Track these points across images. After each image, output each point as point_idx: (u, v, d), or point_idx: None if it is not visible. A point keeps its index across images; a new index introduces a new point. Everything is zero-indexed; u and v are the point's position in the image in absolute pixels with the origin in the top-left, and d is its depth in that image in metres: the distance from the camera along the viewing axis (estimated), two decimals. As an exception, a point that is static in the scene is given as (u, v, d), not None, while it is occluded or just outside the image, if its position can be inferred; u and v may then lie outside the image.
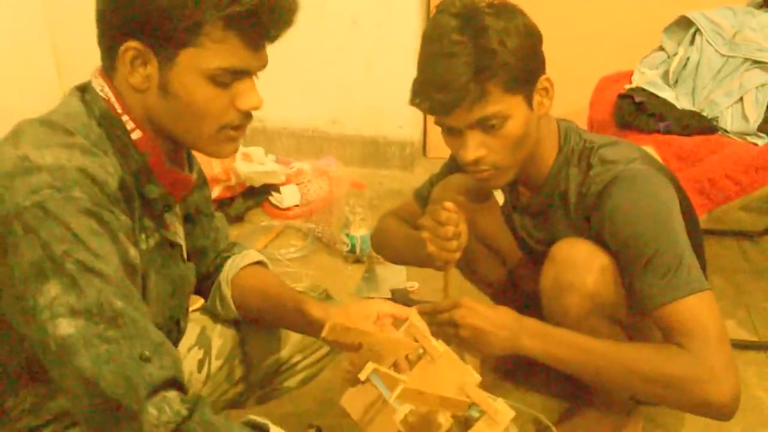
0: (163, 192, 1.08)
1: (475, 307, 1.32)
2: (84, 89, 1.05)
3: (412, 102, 1.28)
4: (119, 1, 0.97)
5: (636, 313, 1.34)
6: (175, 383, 0.90)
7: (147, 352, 0.88)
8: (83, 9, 3.43)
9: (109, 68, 1.03)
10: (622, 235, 1.29)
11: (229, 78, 1.00)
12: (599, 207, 1.32)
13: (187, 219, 1.26)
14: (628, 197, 1.29)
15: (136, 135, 1.03)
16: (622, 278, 1.32)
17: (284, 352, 1.41)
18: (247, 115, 1.05)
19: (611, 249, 1.32)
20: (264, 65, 1.04)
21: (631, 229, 1.27)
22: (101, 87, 1.03)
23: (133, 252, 0.95)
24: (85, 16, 3.63)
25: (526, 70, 1.25)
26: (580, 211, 1.38)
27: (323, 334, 1.03)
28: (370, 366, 1.01)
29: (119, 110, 1.02)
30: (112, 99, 1.02)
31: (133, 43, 0.97)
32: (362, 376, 1.02)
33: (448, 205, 1.31)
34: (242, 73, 1.02)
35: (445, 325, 1.31)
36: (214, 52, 0.97)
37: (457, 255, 1.36)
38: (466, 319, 1.30)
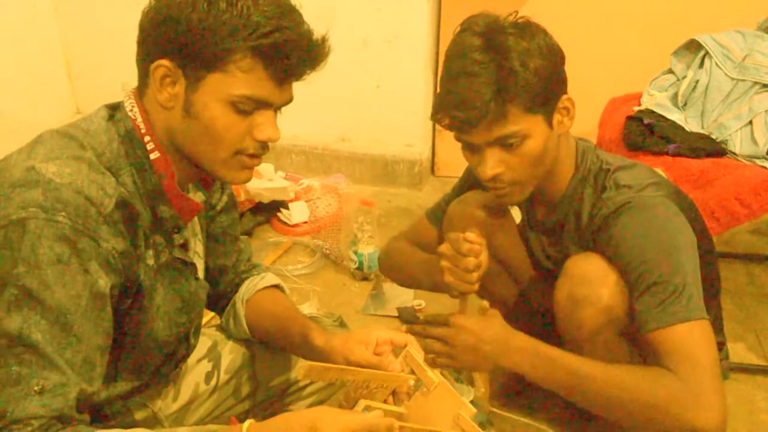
0: (173, 214, 1.11)
1: (465, 325, 1.31)
2: (115, 108, 1.09)
3: (433, 117, 1.30)
4: (160, 20, 1.00)
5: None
6: (56, 420, 0.92)
7: (39, 388, 0.91)
8: (96, 22, 3.46)
9: (142, 86, 1.07)
10: (624, 259, 1.29)
11: (250, 107, 1.03)
12: (605, 230, 1.33)
13: (212, 238, 1.30)
14: (634, 224, 1.29)
15: (154, 155, 1.06)
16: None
17: (293, 375, 1.42)
18: (263, 146, 1.08)
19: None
20: (287, 101, 1.08)
21: (634, 255, 1.27)
22: (131, 107, 1.07)
23: (103, 282, 0.97)
24: (97, 29, 3.65)
25: (546, 90, 1.26)
26: (589, 231, 1.38)
27: (300, 377, 1.04)
28: (362, 403, 1.04)
29: (143, 130, 1.06)
30: (139, 119, 1.06)
31: (165, 62, 1.01)
32: None
33: (471, 236, 1.29)
34: (264, 104, 1.04)
35: (434, 344, 1.31)
36: (240, 80, 1.01)
37: (476, 287, 1.34)
38: (458, 338, 1.30)
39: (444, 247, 1.35)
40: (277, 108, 1.07)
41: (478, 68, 1.22)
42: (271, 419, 0.98)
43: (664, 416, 1.20)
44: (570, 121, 1.34)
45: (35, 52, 3.05)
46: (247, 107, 1.03)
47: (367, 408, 1.04)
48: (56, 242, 0.93)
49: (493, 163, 1.29)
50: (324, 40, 1.05)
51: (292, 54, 1.01)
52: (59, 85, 3.20)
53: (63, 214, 0.94)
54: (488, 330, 1.32)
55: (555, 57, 1.28)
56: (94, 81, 3.14)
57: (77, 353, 0.95)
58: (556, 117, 1.31)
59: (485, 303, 1.38)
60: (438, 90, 1.29)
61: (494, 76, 1.22)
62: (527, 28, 1.26)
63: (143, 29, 1.03)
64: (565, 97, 1.31)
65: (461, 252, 1.30)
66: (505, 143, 1.27)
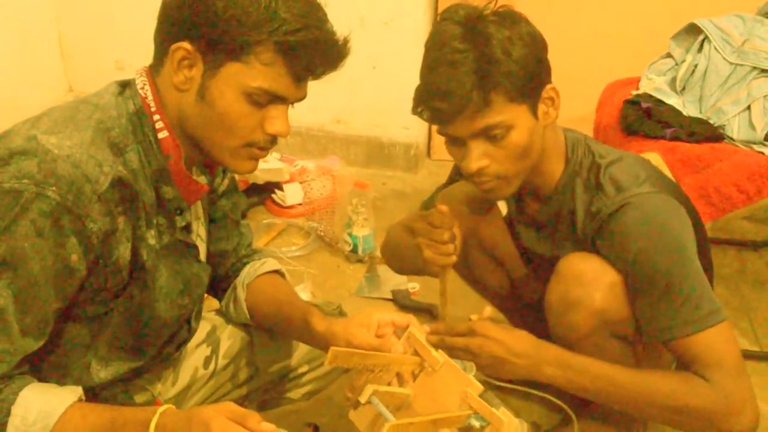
0: (176, 195, 1.10)
1: (492, 335, 1.29)
2: (126, 85, 1.08)
3: (414, 111, 1.26)
4: (185, 2, 1.00)
5: (647, 339, 1.33)
6: None
7: None
8: (91, 1, 3.41)
9: (157, 65, 1.06)
10: (630, 264, 1.27)
11: (265, 99, 1.03)
12: (607, 232, 1.30)
13: (213, 221, 1.30)
14: (638, 225, 1.26)
15: (162, 135, 1.06)
16: (631, 300, 1.30)
17: (291, 361, 1.42)
18: (273, 140, 1.08)
19: (620, 272, 1.30)
20: (302, 98, 1.08)
21: (642, 259, 1.25)
22: (142, 84, 1.06)
23: (76, 257, 0.99)
24: (91, 7, 3.61)
25: (530, 79, 1.22)
26: (587, 231, 1.34)
27: (326, 362, 1.05)
28: (369, 388, 1.04)
29: (153, 108, 1.05)
30: (149, 97, 1.06)
31: (185, 44, 1.00)
32: (362, 399, 1.04)
33: (442, 207, 1.29)
34: (278, 99, 1.04)
35: (460, 352, 1.29)
36: (259, 72, 1.01)
37: (453, 259, 1.34)
38: (484, 349, 1.28)
39: (417, 225, 1.34)
40: (290, 103, 1.07)
41: (458, 57, 1.18)
42: (187, 409, 0.98)
43: (700, 422, 1.25)
44: (555, 111, 1.30)
45: (28, 30, 3.00)
46: (262, 100, 1.03)
47: (375, 393, 1.03)
48: (40, 216, 0.94)
49: (477, 156, 1.24)
50: (346, 41, 1.05)
51: (314, 54, 1.01)
52: (52, 63, 3.16)
53: (54, 188, 0.94)
54: (518, 342, 1.30)
55: (538, 45, 1.23)
56: (87, 59, 3.10)
57: (36, 317, 0.99)
58: (541, 107, 1.27)
59: (488, 309, 1.37)
60: (418, 82, 1.25)
61: (475, 64, 1.17)
62: (508, 17, 1.22)
63: (167, 7, 1.03)
64: (549, 86, 1.27)
65: (434, 224, 1.30)
66: (490, 134, 1.23)
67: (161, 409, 0.96)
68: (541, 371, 1.30)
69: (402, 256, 1.59)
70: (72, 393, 1.00)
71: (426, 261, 1.34)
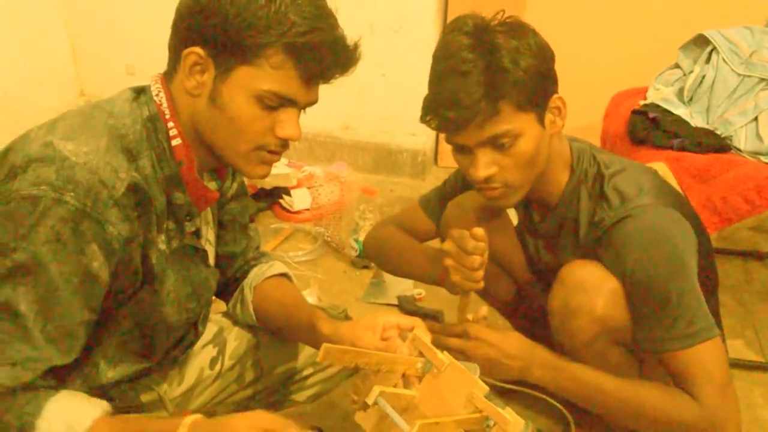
0: (187, 201, 1.11)
1: (486, 338, 1.31)
2: (140, 91, 1.10)
3: (423, 120, 1.27)
4: (197, 8, 1.01)
5: (640, 349, 1.34)
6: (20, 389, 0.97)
7: (11, 360, 0.96)
8: (101, 4, 3.43)
9: (170, 71, 1.08)
10: (629, 275, 1.28)
11: (276, 103, 1.04)
12: (608, 244, 1.31)
13: (222, 225, 1.31)
14: (638, 238, 1.27)
15: (176, 142, 1.07)
16: (630, 309, 1.31)
17: (297, 363, 1.43)
18: (284, 144, 1.09)
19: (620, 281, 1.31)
20: (312, 102, 1.09)
21: (640, 272, 1.27)
22: (157, 91, 1.08)
23: (97, 264, 0.99)
24: (102, 11, 3.61)
25: (538, 88, 1.23)
26: (589, 240, 1.36)
27: (318, 358, 1.04)
28: (376, 390, 1.03)
29: (167, 115, 1.07)
30: (164, 104, 1.07)
31: (197, 49, 1.02)
32: (369, 401, 1.04)
33: (478, 231, 1.27)
34: (289, 102, 1.05)
35: (454, 353, 1.30)
36: (270, 75, 1.02)
37: (481, 285, 1.32)
38: (478, 351, 1.30)
39: (448, 245, 1.32)
40: (301, 108, 1.08)
41: (467, 67, 1.19)
42: (216, 419, 0.97)
43: None
44: (562, 120, 1.31)
45: (40, 34, 3.03)
46: (272, 103, 1.04)
47: (381, 394, 1.04)
48: (59, 222, 0.94)
49: (485, 164, 1.25)
50: (356, 45, 1.06)
51: (324, 56, 1.02)
52: (64, 66, 3.19)
53: (72, 194, 0.95)
54: (511, 345, 1.32)
55: (545, 55, 1.25)
56: (99, 63, 3.13)
57: (59, 327, 0.98)
58: (548, 116, 1.28)
59: (484, 308, 1.38)
60: (426, 92, 1.26)
61: (484, 74, 1.19)
62: (516, 27, 1.23)
63: (179, 14, 1.04)
64: (556, 96, 1.28)
65: (467, 250, 1.28)
66: (497, 143, 1.24)
67: (189, 420, 0.95)
68: (531, 373, 1.32)
69: (399, 259, 1.59)
70: (97, 407, 1.00)
71: (452, 284, 1.33)
